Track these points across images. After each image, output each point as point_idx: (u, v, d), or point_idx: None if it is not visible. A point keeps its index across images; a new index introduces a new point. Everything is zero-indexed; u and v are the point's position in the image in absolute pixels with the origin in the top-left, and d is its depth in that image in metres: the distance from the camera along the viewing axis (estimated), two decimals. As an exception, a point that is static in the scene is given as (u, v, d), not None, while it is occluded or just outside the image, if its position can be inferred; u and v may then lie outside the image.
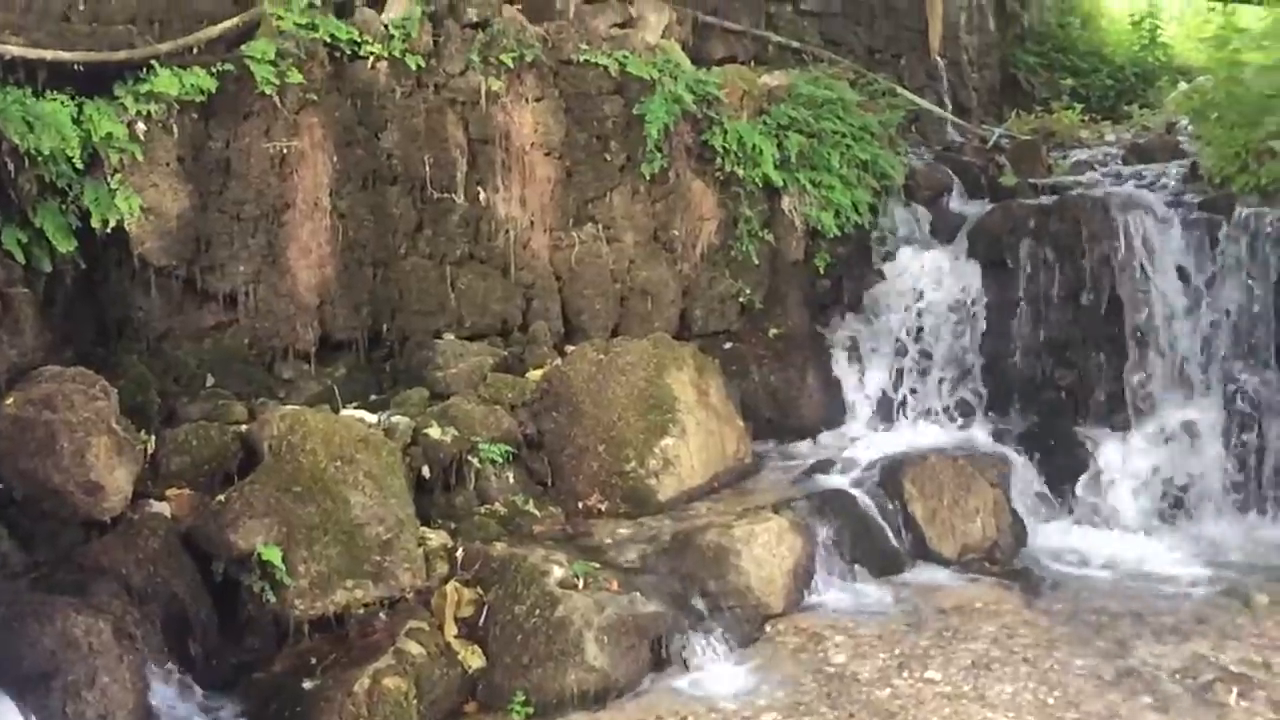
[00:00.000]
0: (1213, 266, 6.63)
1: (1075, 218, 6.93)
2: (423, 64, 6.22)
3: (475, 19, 6.49)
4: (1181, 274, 6.70)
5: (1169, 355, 6.69)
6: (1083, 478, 6.48)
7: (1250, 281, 6.49)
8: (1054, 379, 7.02)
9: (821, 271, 7.60)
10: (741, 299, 7.45)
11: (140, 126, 5.39)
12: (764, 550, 5.22)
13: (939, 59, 10.93)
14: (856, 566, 5.68)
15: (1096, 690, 4.45)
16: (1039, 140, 9.44)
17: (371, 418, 5.44)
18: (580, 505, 5.84)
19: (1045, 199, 7.48)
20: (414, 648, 4.29)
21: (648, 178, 6.93)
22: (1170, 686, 4.48)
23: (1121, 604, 5.34)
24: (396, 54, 6.13)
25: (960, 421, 7.15)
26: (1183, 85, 11.07)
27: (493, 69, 6.44)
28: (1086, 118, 10.99)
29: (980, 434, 7.00)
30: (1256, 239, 6.45)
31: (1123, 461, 6.53)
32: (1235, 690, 4.40)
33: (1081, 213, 6.93)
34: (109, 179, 5.31)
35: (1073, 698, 4.39)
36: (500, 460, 5.60)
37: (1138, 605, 5.32)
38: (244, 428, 5.11)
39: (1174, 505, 6.42)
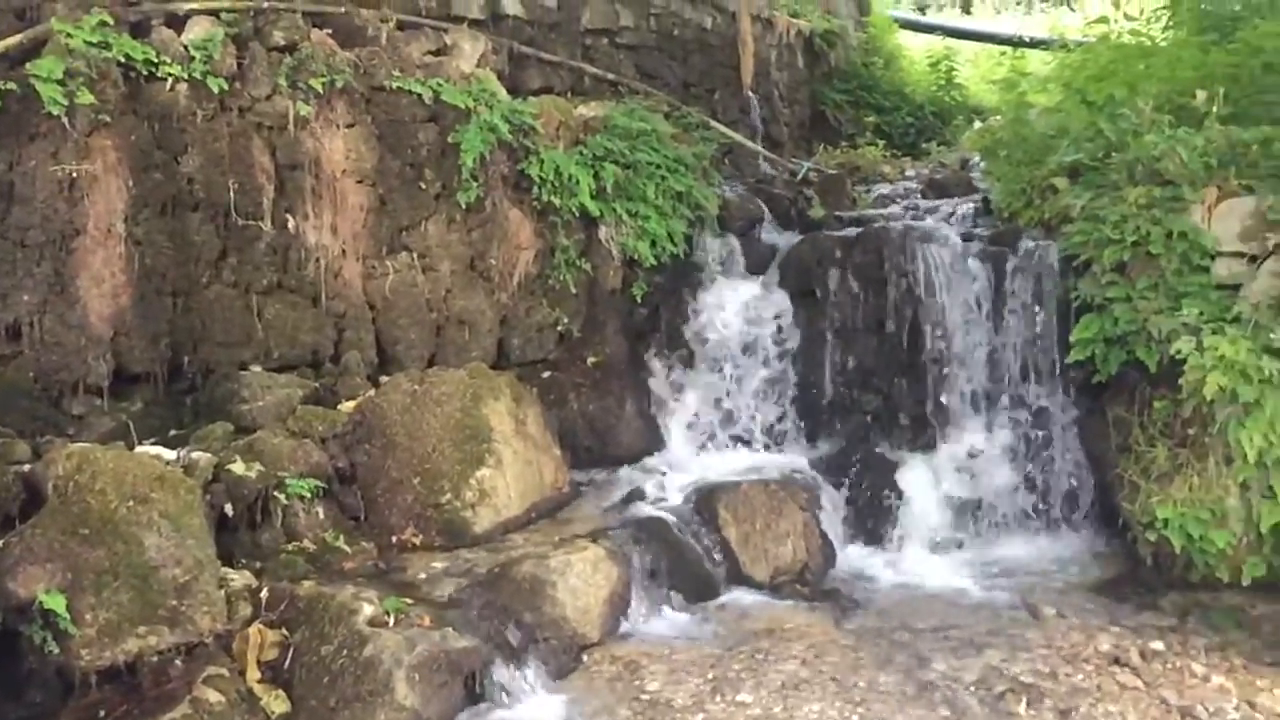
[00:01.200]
0: (1003, 296, 7.01)
1: (878, 249, 7.21)
2: (226, 87, 6.02)
3: (282, 42, 6.33)
4: (975, 303, 7.05)
5: (965, 381, 7.02)
6: (887, 500, 6.73)
7: (1036, 310, 6.90)
8: (861, 404, 7.27)
9: (639, 300, 7.69)
10: (559, 328, 7.46)
11: (-87, 148, 5.05)
12: (580, 580, 5.21)
13: (751, 94, 11.27)
14: (672, 593, 5.73)
15: (899, 705, 4.61)
16: (845, 174, 9.82)
17: (170, 454, 5.19)
18: (394, 539, 5.71)
19: (850, 231, 7.76)
20: (212, 695, 4.10)
21: (464, 206, 6.88)
22: (967, 698, 4.68)
23: (923, 620, 5.55)
24: (197, 76, 5.91)
25: (773, 447, 7.33)
26: (976, 124, 11.71)
27: (301, 94, 6.29)
28: (889, 153, 11.51)
29: (792, 459, 7.18)
30: (1040, 270, 6.85)
31: (924, 483, 6.80)
32: (1025, 699, 4.64)
33: (884, 244, 7.21)
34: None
35: (877, 714, 4.53)
36: (309, 495, 5.42)
37: (938, 621, 5.54)
38: (27, 467, 4.80)
39: (971, 524, 6.72)
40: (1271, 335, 5.51)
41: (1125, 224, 6.30)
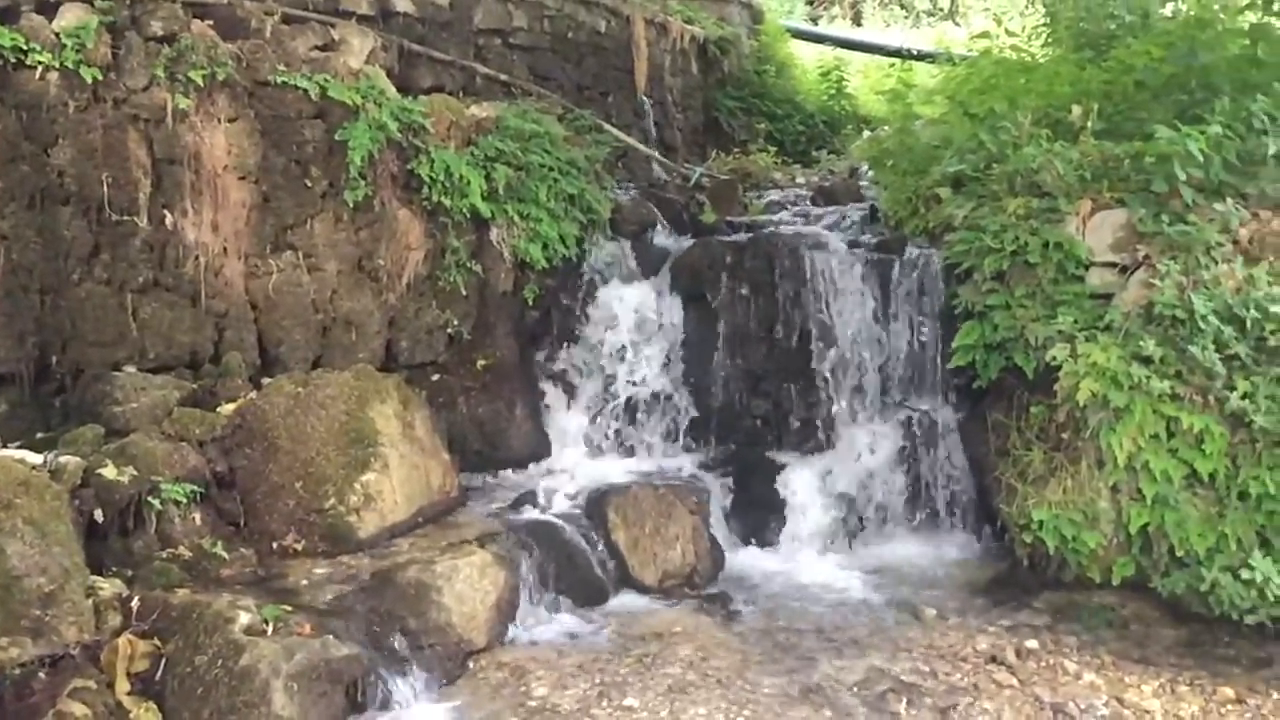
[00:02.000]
0: (889, 303, 7.15)
1: (768, 255, 7.29)
2: (100, 77, 5.78)
3: (161, 32, 6.10)
4: (862, 309, 7.18)
5: (852, 386, 7.15)
6: (776, 502, 6.80)
7: (920, 317, 7.05)
8: (751, 409, 7.34)
9: (530, 303, 7.64)
10: (449, 330, 7.37)
11: None
12: (466, 585, 5.15)
13: (645, 99, 11.30)
14: (561, 597, 5.70)
15: (783, 706, 4.66)
16: (737, 180, 9.90)
17: (35, 458, 4.95)
18: (275, 546, 5.55)
19: (742, 237, 7.83)
20: (78, 709, 3.94)
21: (351, 205, 6.73)
22: (849, 699, 4.75)
23: (808, 622, 5.63)
24: (69, 65, 5.66)
25: (664, 451, 7.35)
26: (866, 134, 11.94)
27: (180, 86, 6.08)
28: (781, 160, 11.66)
29: (682, 463, 7.22)
30: (924, 277, 7.01)
31: (812, 487, 6.90)
32: (905, 699, 4.73)
33: (774, 250, 7.29)
34: None
35: (762, 715, 4.57)
36: (186, 500, 5.24)
37: (823, 623, 5.62)
38: (-119, 472, 4.55)
39: (857, 527, 6.84)
40: (1141, 343, 5.72)
41: (1005, 234, 6.49)
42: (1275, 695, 4.85)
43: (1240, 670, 5.09)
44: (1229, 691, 4.87)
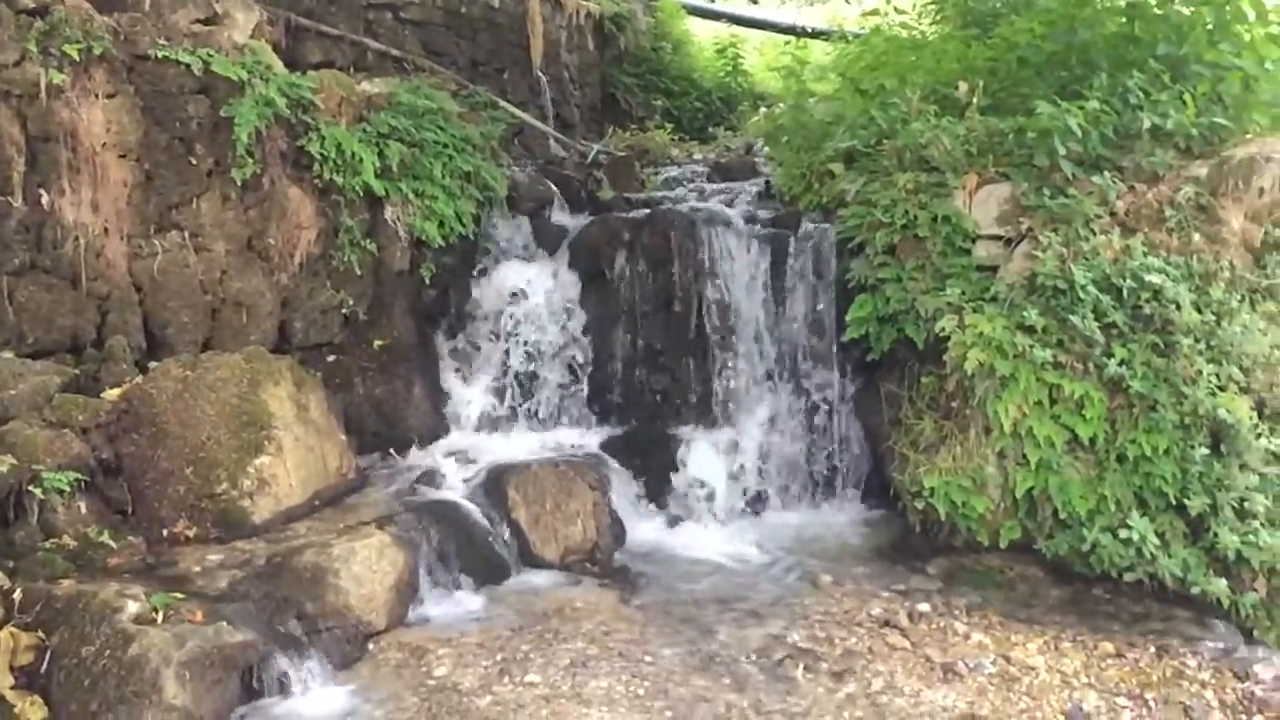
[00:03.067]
0: (784, 277, 7.24)
1: (665, 231, 7.32)
2: (-32, 51, 5.56)
3: (32, 5, 5.86)
4: (758, 284, 7.26)
5: (750, 359, 7.23)
6: (676, 477, 6.86)
7: (815, 290, 7.16)
8: (650, 384, 7.38)
9: (427, 282, 7.55)
10: (344, 310, 7.24)
11: None
12: (364, 567, 5.10)
13: (541, 75, 11.23)
14: (462, 576, 5.67)
15: (683, 676, 4.72)
16: (634, 157, 9.92)
17: (-94, 449, 4.78)
18: (166, 533, 5.42)
19: (639, 213, 7.84)
20: (-42, 706, 3.81)
21: (239, 183, 6.57)
22: (748, 667, 4.83)
23: (708, 593, 5.70)
24: (-66, 38, 5.44)
25: (563, 427, 7.37)
26: (761, 110, 12.04)
27: (55, 61, 5.85)
28: (677, 137, 11.69)
29: (583, 439, 7.25)
30: (819, 252, 7.12)
31: (711, 460, 6.98)
32: (802, 665, 4.83)
33: (671, 227, 7.33)
34: None
35: (662, 685, 4.62)
36: (69, 489, 5.08)
37: (723, 593, 5.70)
38: None
39: (756, 498, 6.95)
40: (1025, 313, 5.90)
41: (895, 208, 6.63)
42: (1152, 649, 5.07)
43: (1120, 626, 5.31)
44: (1109, 646, 5.08)
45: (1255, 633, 5.24)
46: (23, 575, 4.63)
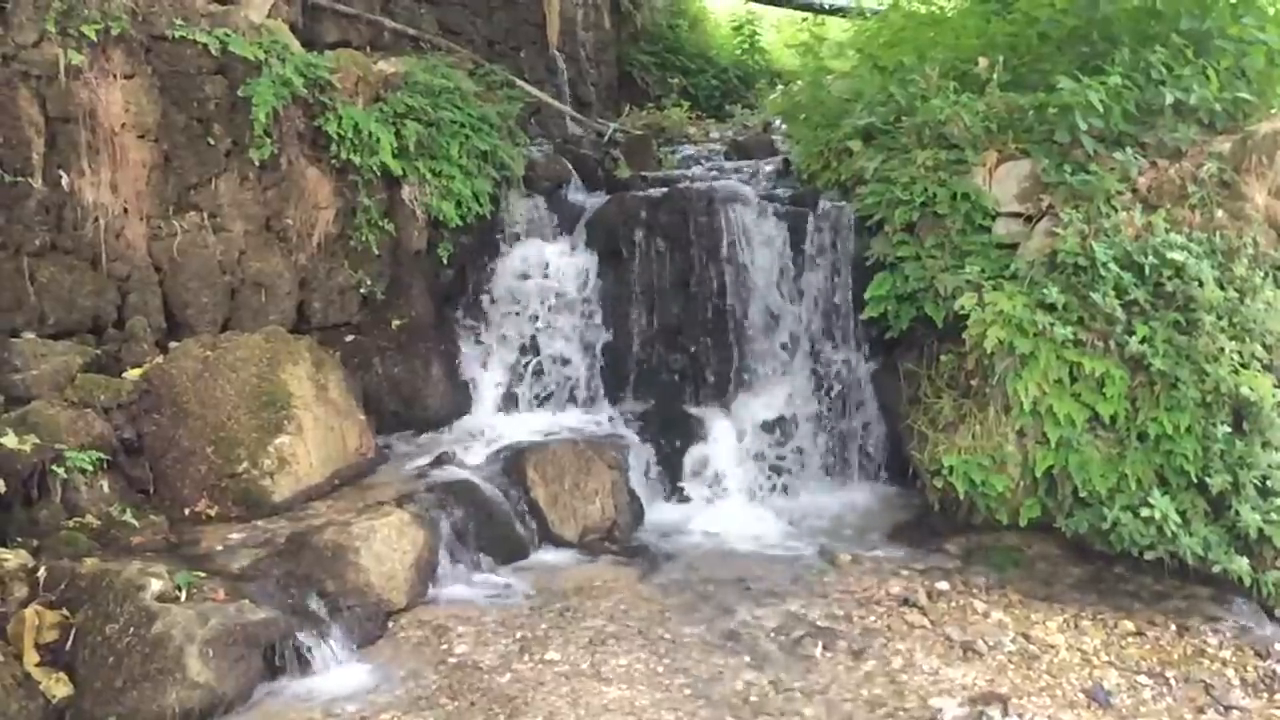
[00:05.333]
0: (802, 255, 7.21)
1: (683, 210, 7.29)
2: (-14, 32, 5.58)
3: (50, -15, 5.89)
4: (776, 262, 7.23)
5: (768, 338, 7.21)
6: (694, 455, 6.86)
7: (833, 269, 7.12)
8: (668, 363, 7.38)
9: (445, 262, 7.56)
10: (363, 290, 7.26)
11: None
12: (385, 546, 5.12)
13: (557, 53, 11.18)
14: (481, 555, 5.70)
15: (703, 655, 4.73)
16: (651, 135, 9.88)
17: (-69, 429, 4.82)
18: (187, 512, 5.48)
19: (656, 191, 7.80)
20: (-16, 682, 3.85)
21: (257, 164, 6.58)
22: (767, 645, 4.84)
23: (727, 572, 5.71)
24: (-48, 19, 5.45)
25: (582, 407, 7.37)
26: (779, 88, 11.97)
27: (73, 41, 5.87)
28: (694, 115, 11.65)
29: (601, 418, 7.24)
30: (837, 230, 7.08)
31: (729, 439, 6.98)
32: (821, 643, 4.84)
33: (688, 205, 7.30)
34: None
35: (681, 664, 4.64)
36: (91, 468, 5.13)
37: (741, 572, 5.70)
38: None
39: (774, 476, 6.94)
40: (1045, 291, 5.85)
41: (914, 185, 6.58)
42: (1173, 627, 5.06)
43: (1140, 604, 5.29)
44: (1129, 625, 5.07)
45: (1276, 611, 5.22)
46: (47, 554, 4.69)
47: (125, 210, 6.19)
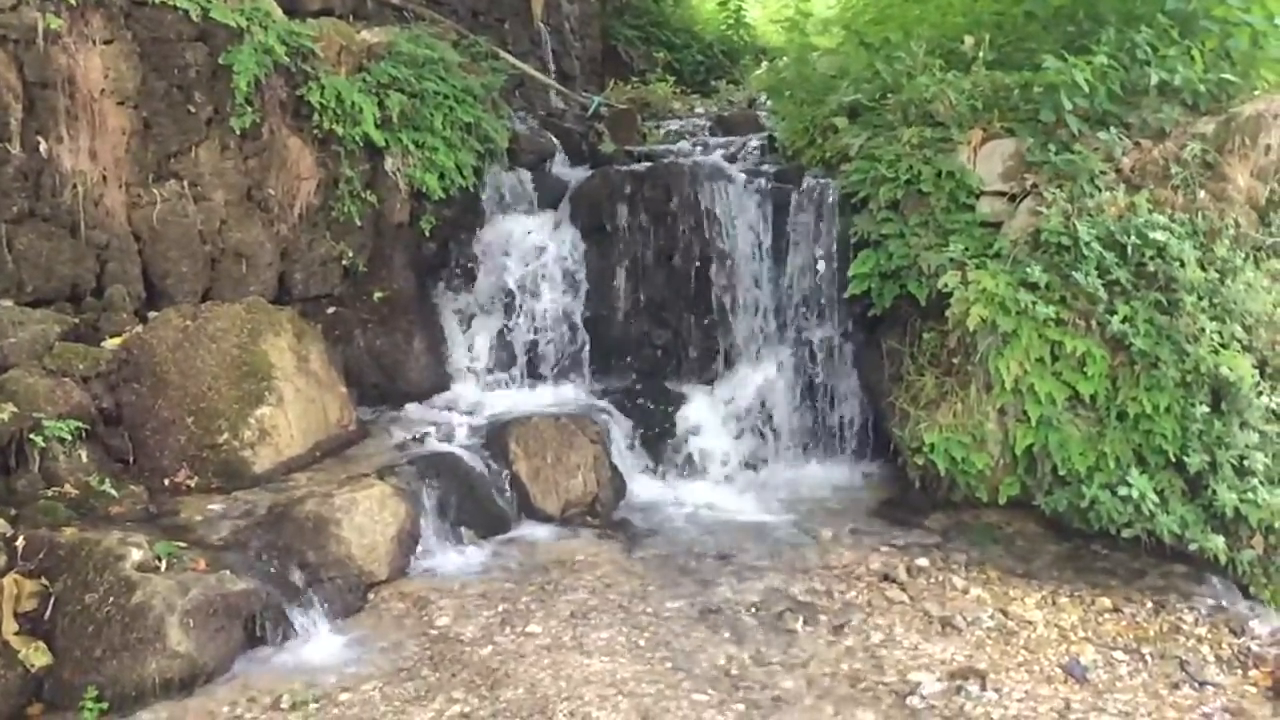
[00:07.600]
0: (786, 232, 7.20)
1: (667, 185, 7.28)
2: (-38, -5, 5.49)
3: (28, -52, 5.80)
4: (760, 239, 7.23)
5: (751, 314, 7.22)
6: (676, 431, 6.87)
7: (817, 245, 7.12)
8: (651, 338, 7.38)
9: (427, 234, 7.51)
10: (345, 262, 7.21)
11: None
12: (366, 518, 5.11)
13: (542, 26, 11.10)
14: (463, 528, 5.70)
15: (684, 629, 4.75)
16: (635, 110, 9.84)
17: (-94, 396, 4.77)
18: (167, 482, 5.44)
19: (640, 166, 7.78)
20: (-38, 651, 3.82)
21: (238, 132, 6.51)
22: (748, 619, 4.86)
23: (709, 547, 5.73)
24: (-73, -19, 5.36)
25: (565, 381, 7.36)
26: (764, 64, 11.93)
27: (51, 5, 5.77)
28: (679, 90, 11.60)
29: (584, 393, 7.25)
30: (821, 207, 7.07)
31: (712, 414, 7.00)
32: (802, 618, 4.86)
33: (672, 180, 7.29)
34: None
35: (663, 638, 4.65)
36: (70, 438, 5.08)
37: (723, 547, 5.73)
38: None
39: (756, 453, 6.95)
40: (1028, 270, 5.87)
41: (899, 163, 6.58)
42: (1149, 604, 5.10)
43: (1117, 582, 5.34)
44: (1106, 601, 5.12)
45: (1251, 589, 5.28)
46: (25, 523, 4.64)
47: (104, 177, 6.12)
